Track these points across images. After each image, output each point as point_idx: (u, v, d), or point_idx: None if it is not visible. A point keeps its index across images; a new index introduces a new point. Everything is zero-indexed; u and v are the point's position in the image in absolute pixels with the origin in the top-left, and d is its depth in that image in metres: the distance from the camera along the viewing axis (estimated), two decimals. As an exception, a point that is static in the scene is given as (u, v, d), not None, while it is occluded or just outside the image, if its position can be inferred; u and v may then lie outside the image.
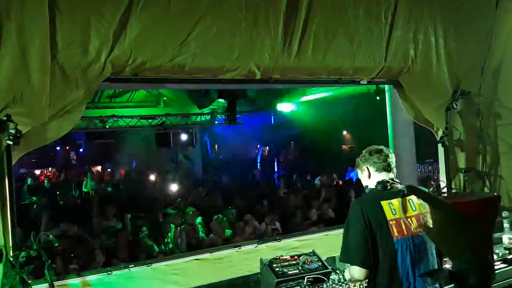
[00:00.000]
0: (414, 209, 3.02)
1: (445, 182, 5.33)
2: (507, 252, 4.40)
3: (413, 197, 3.05)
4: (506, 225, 4.60)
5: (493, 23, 5.58)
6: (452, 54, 5.27)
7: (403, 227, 2.95)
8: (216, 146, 23.64)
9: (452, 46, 5.27)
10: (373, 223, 2.95)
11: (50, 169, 22.45)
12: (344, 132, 20.56)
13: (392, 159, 3.21)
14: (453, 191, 5.35)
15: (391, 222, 2.95)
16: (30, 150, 3.44)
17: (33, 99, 3.28)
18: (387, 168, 3.17)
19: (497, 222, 5.02)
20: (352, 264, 3.01)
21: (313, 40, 4.41)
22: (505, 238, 4.52)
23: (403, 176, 5.47)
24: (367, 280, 3.04)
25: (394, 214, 2.97)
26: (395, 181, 3.15)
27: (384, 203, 3.00)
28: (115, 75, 3.65)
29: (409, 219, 2.98)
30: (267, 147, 23.04)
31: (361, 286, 3.49)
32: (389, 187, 3.10)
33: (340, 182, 14.41)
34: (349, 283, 3.60)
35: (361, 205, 3.06)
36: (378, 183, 3.12)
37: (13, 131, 3.17)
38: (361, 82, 4.95)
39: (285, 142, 21.81)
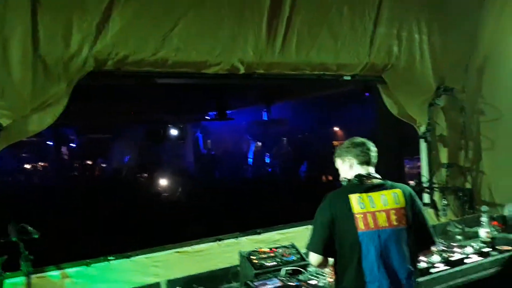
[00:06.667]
0: (385, 204, 3.02)
1: (427, 177, 5.39)
2: (484, 245, 4.47)
3: (385, 192, 3.06)
4: (484, 219, 4.65)
5: (478, 20, 5.64)
6: (436, 50, 5.33)
7: (370, 220, 2.96)
8: (208, 141, 23.59)
9: (436, 42, 5.32)
10: (339, 216, 2.99)
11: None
12: (336, 128, 20.59)
13: (374, 152, 3.21)
14: (435, 186, 5.41)
15: (357, 215, 2.97)
16: (11, 143, 3.43)
17: (14, 92, 3.27)
18: (369, 162, 3.18)
19: (474, 217, 5.12)
20: (308, 249, 3.10)
21: (297, 36, 4.45)
22: (482, 232, 4.59)
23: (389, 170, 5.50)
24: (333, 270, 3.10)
25: (362, 208, 2.98)
26: (373, 175, 3.16)
27: (352, 196, 3.01)
28: (97, 68, 3.65)
29: (377, 213, 2.98)
30: (259, 143, 23.03)
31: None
32: (365, 180, 3.12)
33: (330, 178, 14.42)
34: (326, 276, 3.68)
35: (331, 197, 3.11)
36: (355, 176, 3.14)
37: (-7, 124, 3.17)
38: (345, 78, 4.99)
39: (277, 137, 21.81)
